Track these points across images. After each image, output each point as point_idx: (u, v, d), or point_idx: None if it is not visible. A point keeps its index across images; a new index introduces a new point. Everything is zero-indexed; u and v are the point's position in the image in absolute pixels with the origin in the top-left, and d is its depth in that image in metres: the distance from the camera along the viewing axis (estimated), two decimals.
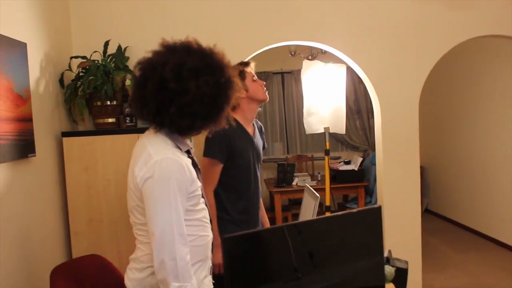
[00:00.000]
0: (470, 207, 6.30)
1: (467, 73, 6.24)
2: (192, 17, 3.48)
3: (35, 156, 2.58)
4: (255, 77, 2.66)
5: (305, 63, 3.93)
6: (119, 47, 3.31)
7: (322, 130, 3.87)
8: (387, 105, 3.79)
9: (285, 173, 5.58)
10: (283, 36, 3.63)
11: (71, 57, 3.18)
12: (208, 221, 1.90)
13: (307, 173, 6.09)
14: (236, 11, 3.54)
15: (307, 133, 3.91)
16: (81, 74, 3.12)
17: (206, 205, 1.91)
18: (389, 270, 1.64)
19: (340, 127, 3.87)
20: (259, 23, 3.57)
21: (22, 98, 2.47)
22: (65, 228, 3.00)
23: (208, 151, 2.55)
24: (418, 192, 3.88)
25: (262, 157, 2.82)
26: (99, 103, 3.09)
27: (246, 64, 2.70)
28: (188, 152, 1.86)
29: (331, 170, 5.82)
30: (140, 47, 1.78)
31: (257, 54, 3.64)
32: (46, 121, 2.84)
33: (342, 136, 7.46)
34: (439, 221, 7.00)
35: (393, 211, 3.85)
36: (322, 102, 3.83)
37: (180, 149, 1.79)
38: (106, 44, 3.24)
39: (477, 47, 5.69)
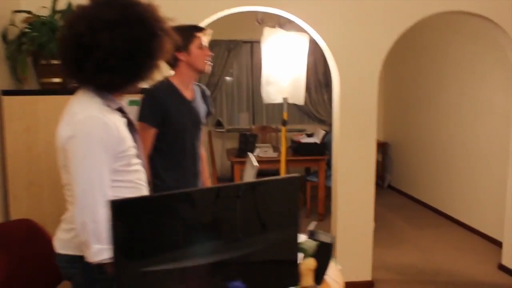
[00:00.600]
0: (430, 184, 6.38)
1: (432, 49, 6.22)
2: None
3: None
4: (204, 45, 2.52)
5: (266, 30, 3.81)
6: (69, 4, 3.15)
7: (280, 100, 3.79)
8: (346, 77, 3.74)
9: (247, 143, 5.50)
10: (242, 1, 3.51)
11: (14, 11, 3.01)
12: (144, 184, 1.84)
13: (269, 145, 6.04)
14: None
15: (264, 102, 3.82)
16: (26, 30, 2.96)
17: (143, 167, 1.84)
18: (309, 244, 1.60)
19: (298, 98, 3.79)
20: None
21: None
22: (3, 191, 2.88)
23: (140, 115, 2.45)
24: (373, 167, 3.86)
25: (205, 122, 2.71)
26: (44, 62, 2.95)
27: (200, 29, 2.56)
28: (121, 111, 1.78)
29: (293, 142, 5.78)
30: None
31: (226, 22, 3.50)
32: None
33: (309, 109, 7.41)
34: (401, 198, 7.07)
35: (347, 185, 3.83)
36: (282, 72, 3.73)
37: (110, 107, 1.71)
38: (55, 0, 3.09)
39: (443, 23, 5.66)
